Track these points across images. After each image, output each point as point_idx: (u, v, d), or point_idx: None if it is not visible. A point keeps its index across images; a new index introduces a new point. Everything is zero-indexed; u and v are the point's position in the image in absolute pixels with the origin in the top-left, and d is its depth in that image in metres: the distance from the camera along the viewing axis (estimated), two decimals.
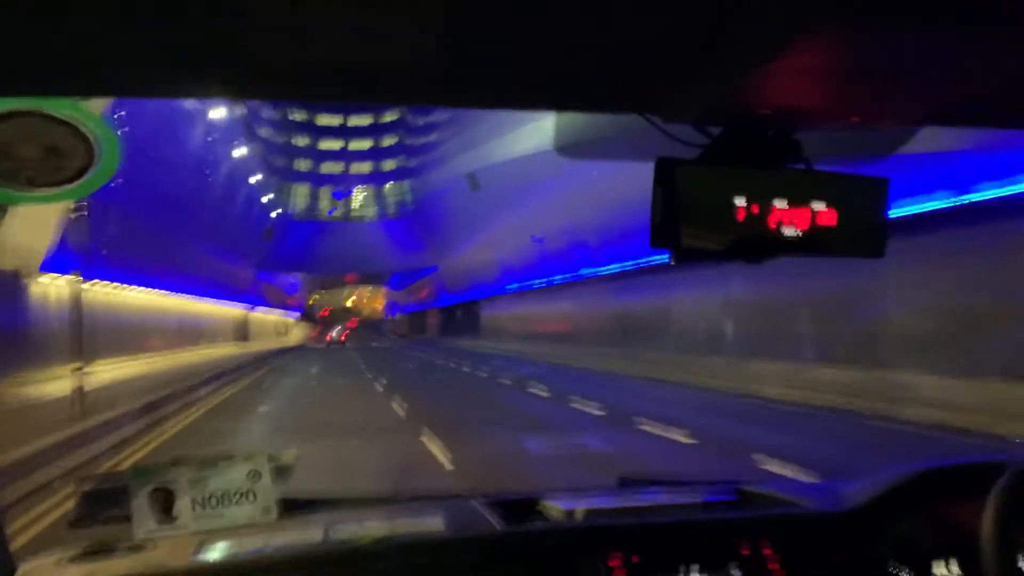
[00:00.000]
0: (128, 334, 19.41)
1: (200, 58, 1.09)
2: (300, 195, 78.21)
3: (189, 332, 31.75)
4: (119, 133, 1.35)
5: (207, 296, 36.38)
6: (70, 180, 1.41)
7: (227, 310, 47.22)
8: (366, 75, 1.11)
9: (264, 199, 49.60)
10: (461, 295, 57.55)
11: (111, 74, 1.12)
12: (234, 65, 1.10)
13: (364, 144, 69.36)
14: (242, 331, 57.36)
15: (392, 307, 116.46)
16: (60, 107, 1.36)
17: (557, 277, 30.56)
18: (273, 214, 61.60)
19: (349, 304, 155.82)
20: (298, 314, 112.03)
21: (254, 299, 61.87)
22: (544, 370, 20.56)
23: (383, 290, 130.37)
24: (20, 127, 1.37)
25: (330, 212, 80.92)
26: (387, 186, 78.58)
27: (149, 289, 24.93)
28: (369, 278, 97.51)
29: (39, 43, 1.00)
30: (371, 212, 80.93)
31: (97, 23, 0.99)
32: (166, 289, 26.88)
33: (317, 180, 71.30)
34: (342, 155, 69.22)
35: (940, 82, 1.05)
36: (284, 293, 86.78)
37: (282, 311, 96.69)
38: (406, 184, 74.40)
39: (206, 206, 22.49)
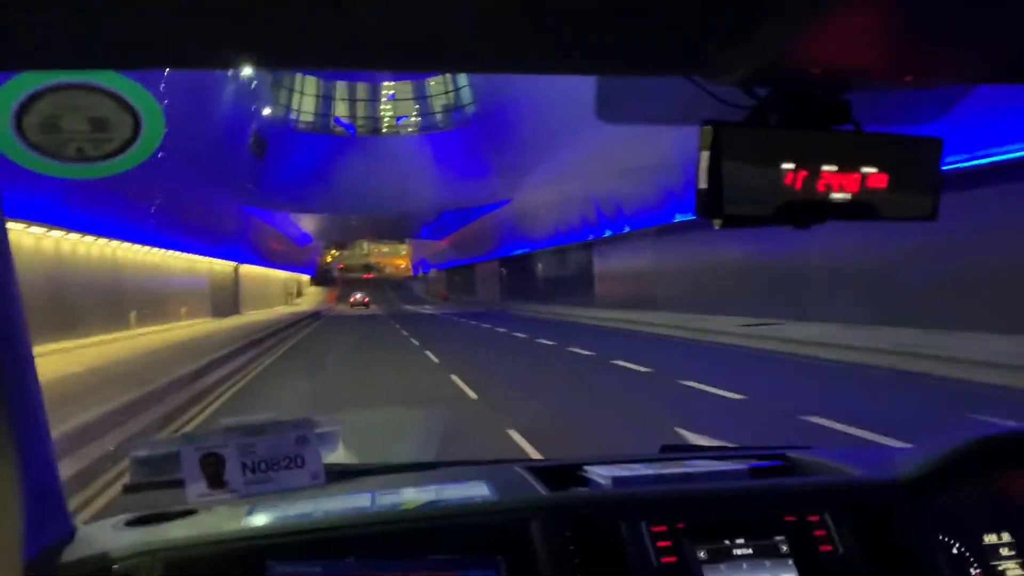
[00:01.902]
0: None
1: (242, 28, 1.15)
2: (307, 96, 57.43)
3: (106, 301, 22.14)
4: (162, 104, 1.46)
5: (159, 243, 27.29)
6: (116, 152, 1.46)
7: (199, 264, 36.00)
8: (407, 43, 1.17)
9: (257, 108, 38.91)
10: (548, 240, 43.81)
11: (155, 46, 1.19)
12: (275, 34, 1.16)
13: None
14: (225, 298, 41.91)
15: (422, 264, 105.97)
16: (106, 79, 1.41)
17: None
18: (266, 112, 46.37)
19: (370, 261, 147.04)
20: (309, 276, 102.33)
21: (242, 249, 45.52)
22: None
23: (406, 246, 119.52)
24: (67, 100, 1.41)
25: (347, 127, 59.04)
26: (432, 82, 56.80)
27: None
28: (392, 229, 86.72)
29: (83, 18, 1.09)
30: (410, 123, 59.91)
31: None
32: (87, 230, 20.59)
33: (330, 72, 50.43)
34: None
35: (998, 38, 1.09)
36: (293, 243, 72.26)
37: (290, 271, 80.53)
38: (463, 81, 52.21)
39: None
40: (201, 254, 33.60)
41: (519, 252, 47.88)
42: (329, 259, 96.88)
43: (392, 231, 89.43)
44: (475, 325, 30.20)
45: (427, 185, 49.76)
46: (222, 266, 39.13)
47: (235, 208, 38.90)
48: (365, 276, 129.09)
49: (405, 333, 25.78)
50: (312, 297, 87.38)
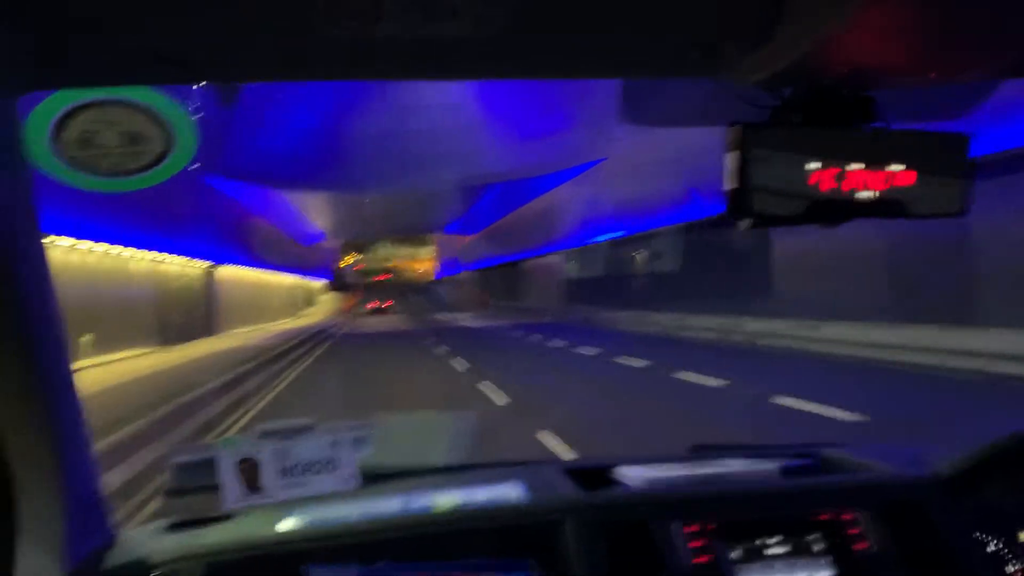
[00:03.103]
0: None
1: (268, 40, 1.24)
2: None
3: None
4: (195, 118, 1.59)
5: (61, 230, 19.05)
6: (150, 165, 1.54)
7: (135, 263, 25.27)
8: (433, 52, 1.27)
9: None
10: (665, 214, 30.89)
11: (186, 62, 1.30)
12: (302, 45, 1.26)
13: None
14: (191, 313, 30.58)
15: (452, 265, 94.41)
16: (139, 94, 1.53)
17: None
18: None
19: (390, 265, 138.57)
20: (325, 282, 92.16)
21: (222, 245, 34.50)
22: None
23: (429, 248, 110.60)
24: (102, 115, 1.51)
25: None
26: None
27: None
28: (414, 222, 71.63)
29: (117, 36, 1.21)
30: None
31: (173, 13, 1.15)
32: None
33: None
34: None
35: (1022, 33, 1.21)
36: (297, 242, 58.79)
37: (299, 275, 67.07)
38: None
39: None
40: (144, 248, 25.10)
41: (602, 239, 39.46)
42: (344, 264, 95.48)
43: (414, 224, 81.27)
44: (577, 353, 21.61)
45: (474, 148, 35.29)
46: (182, 268, 30.87)
47: (200, 186, 24.63)
48: (378, 278, 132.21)
49: (469, 374, 17.03)
50: (326, 306, 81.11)
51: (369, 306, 69.98)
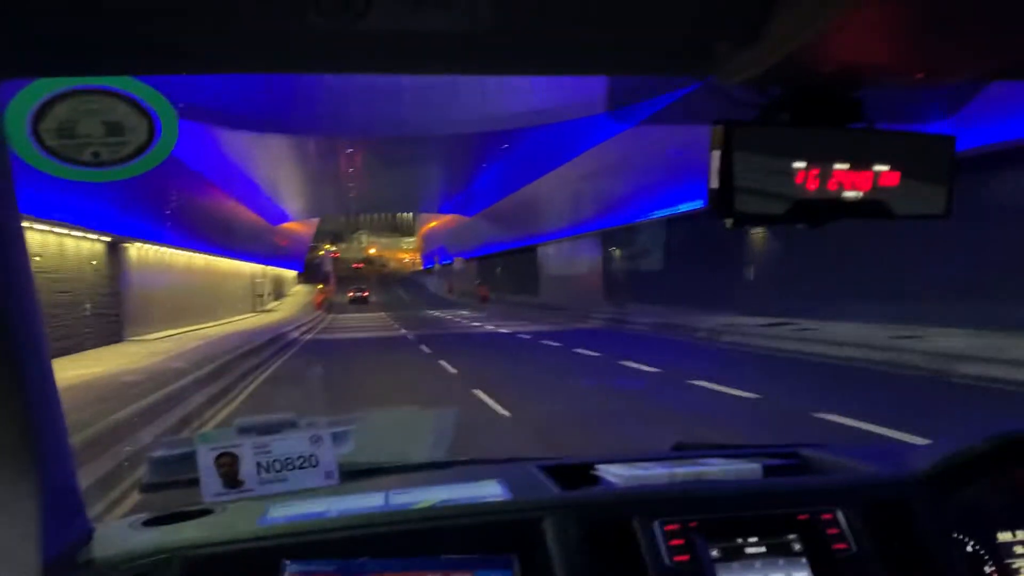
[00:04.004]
0: None
1: (255, 30, 1.24)
2: None
3: None
4: (176, 110, 1.68)
5: None
6: (132, 156, 1.54)
7: None
8: (422, 45, 1.28)
9: None
10: None
11: (167, 51, 1.30)
12: (289, 37, 1.26)
13: None
14: (83, 322, 21.08)
15: (439, 254, 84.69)
16: (122, 84, 1.55)
17: None
18: None
19: (371, 254, 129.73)
20: (297, 272, 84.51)
21: (139, 214, 23.45)
22: None
23: (414, 239, 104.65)
24: (84, 104, 1.51)
25: None
26: None
27: None
28: (401, 195, 59.42)
29: (98, 23, 1.22)
30: None
31: (159, 1, 1.21)
32: None
33: None
34: None
35: (1011, 35, 1.21)
36: (263, 222, 49.54)
37: (265, 263, 56.42)
38: None
39: None
40: None
41: (675, 210, 28.79)
42: (321, 252, 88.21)
43: (402, 201, 73.23)
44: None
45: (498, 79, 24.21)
46: (67, 243, 21.80)
47: None
48: (356, 265, 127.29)
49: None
50: (297, 299, 71.57)
51: (348, 294, 74.12)
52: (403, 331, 30.89)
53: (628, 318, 29.39)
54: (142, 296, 27.10)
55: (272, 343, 22.94)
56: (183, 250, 34.31)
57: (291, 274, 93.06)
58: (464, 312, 46.17)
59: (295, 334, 28.83)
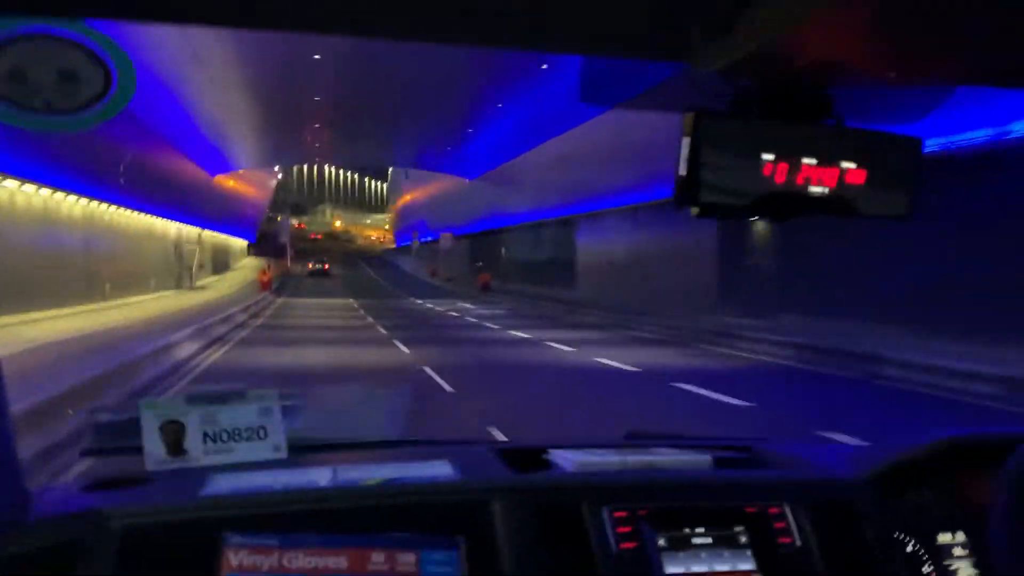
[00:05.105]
0: None
1: None
2: None
3: None
4: (133, 62, 1.62)
5: None
6: (86, 105, 1.48)
7: None
8: (391, 10, 1.22)
9: None
10: None
11: None
12: None
13: None
14: None
15: (417, 229, 74.59)
16: (76, 29, 1.48)
17: None
18: None
19: (336, 226, 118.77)
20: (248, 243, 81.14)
21: None
22: None
23: (386, 216, 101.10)
24: (35, 50, 1.42)
25: None
26: None
27: None
28: (377, 156, 59.33)
29: None
30: None
31: None
32: None
33: None
34: None
35: (986, 41, 1.26)
36: (199, 168, 40.61)
37: (204, 226, 47.32)
38: None
39: None
40: None
41: None
42: (276, 222, 78.77)
43: (378, 154, 62.69)
44: None
45: None
46: None
47: None
48: (314, 236, 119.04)
49: None
50: (240, 276, 57.73)
51: (308, 266, 73.63)
52: (400, 346, 18.18)
53: (822, 342, 16.43)
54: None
55: (125, 373, 11.03)
56: (66, 193, 23.42)
57: (240, 243, 77.25)
58: (467, 306, 34.20)
59: (220, 329, 18.95)
